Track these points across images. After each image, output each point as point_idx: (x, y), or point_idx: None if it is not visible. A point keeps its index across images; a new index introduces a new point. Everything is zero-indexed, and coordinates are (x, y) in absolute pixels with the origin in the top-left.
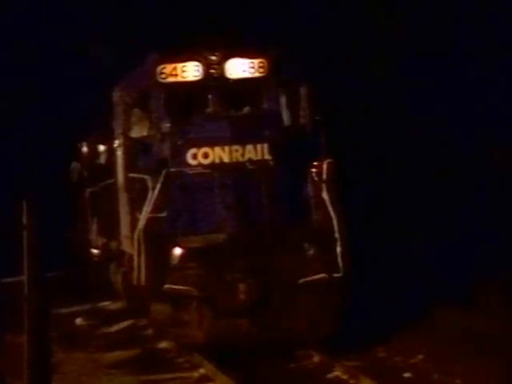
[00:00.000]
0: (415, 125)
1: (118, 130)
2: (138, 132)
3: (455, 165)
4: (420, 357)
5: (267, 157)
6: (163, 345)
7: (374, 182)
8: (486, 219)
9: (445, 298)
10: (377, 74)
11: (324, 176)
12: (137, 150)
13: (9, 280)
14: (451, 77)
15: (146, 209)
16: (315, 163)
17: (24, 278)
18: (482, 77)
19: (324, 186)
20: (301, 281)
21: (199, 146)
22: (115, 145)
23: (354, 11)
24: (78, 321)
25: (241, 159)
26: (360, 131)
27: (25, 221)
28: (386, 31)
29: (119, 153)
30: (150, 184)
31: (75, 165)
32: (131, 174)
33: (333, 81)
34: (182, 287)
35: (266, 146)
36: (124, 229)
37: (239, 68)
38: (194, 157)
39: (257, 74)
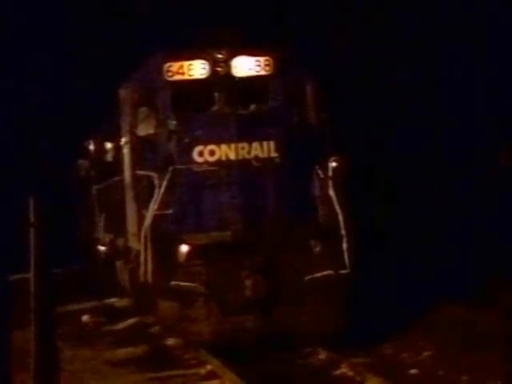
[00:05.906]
0: (419, 125)
1: (125, 127)
2: (145, 130)
3: (461, 163)
4: (426, 353)
5: (273, 154)
6: (170, 341)
7: (380, 180)
8: (492, 217)
9: (451, 294)
10: (379, 72)
11: (330, 173)
12: (143, 148)
13: (15, 277)
14: (456, 75)
15: (153, 206)
16: (321, 160)
17: (31, 274)
18: (487, 74)
19: (330, 183)
20: (307, 277)
21: (205, 144)
22: (122, 142)
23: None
24: (85, 318)
25: (247, 157)
26: (362, 131)
27: (32, 218)
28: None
29: (126, 150)
30: (156, 181)
31: (82, 162)
32: (138, 172)
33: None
34: (188, 284)
35: (272, 143)
36: (131, 226)
37: (245, 66)
38: (201, 154)
39: (263, 72)
